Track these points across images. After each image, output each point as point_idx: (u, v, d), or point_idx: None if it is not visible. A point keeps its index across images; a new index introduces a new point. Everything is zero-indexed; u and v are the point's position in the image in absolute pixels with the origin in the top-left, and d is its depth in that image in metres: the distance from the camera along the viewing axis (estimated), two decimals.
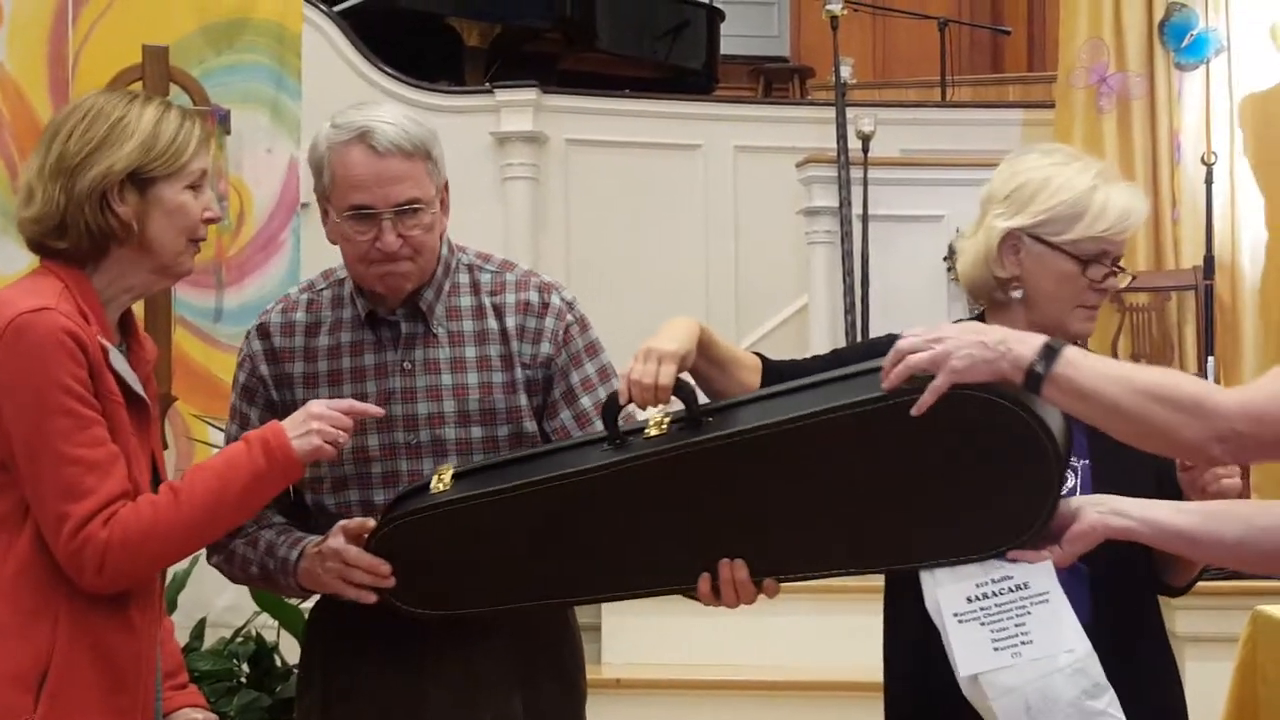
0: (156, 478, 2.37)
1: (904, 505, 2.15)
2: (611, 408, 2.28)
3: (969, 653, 2.07)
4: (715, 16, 9.49)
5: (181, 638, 4.62)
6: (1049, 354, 2.00)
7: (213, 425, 4.68)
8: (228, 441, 2.52)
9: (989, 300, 2.44)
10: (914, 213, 6.84)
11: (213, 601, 4.82)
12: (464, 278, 2.52)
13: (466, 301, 2.51)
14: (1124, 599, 2.35)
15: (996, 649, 2.07)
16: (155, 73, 4.26)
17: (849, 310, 6.54)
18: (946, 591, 2.11)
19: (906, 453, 2.13)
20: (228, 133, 4.51)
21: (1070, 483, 2.30)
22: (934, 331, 2.06)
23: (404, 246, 2.41)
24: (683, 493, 2.24)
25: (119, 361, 2.27)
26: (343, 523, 2.38)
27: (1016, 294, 2.38)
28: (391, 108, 2.52)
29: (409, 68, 7.30)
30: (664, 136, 7.67)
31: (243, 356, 2.57)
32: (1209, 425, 1.95)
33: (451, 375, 2.47)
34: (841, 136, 6.74)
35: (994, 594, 2.09)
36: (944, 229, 6.68)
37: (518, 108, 7.32)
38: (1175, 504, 2.19)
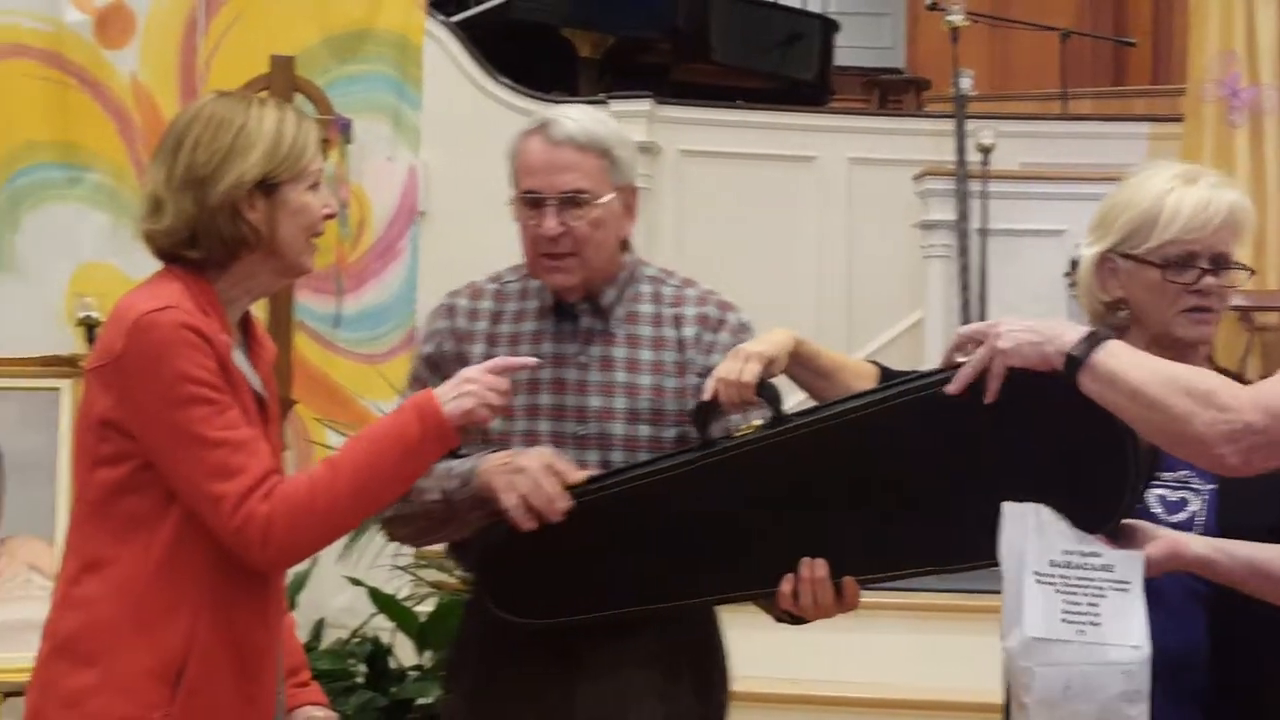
0: None
1: (982, 496, 2.12)
2: (701, 413, 2.33)
3: (1039, 615, 2.05)
4: (829, 28, 9.46)
5: (300, 637, 4.70)
6: (1091, 341, 2.03)
7: (332, 428, 4.74)
8: None
9: (1111, 327, 2.42)
10: (1034, 227, 6.76)
11: (330, 602, 4.88)
12: (646, 288, 2.59)
13: (647, 309, 2.57)
14: (1244, 624, 2.28)
15: (1064, 620, 2.04)
16: (282, 82, 4.33)
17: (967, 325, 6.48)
18: (1034, 547, 2.07)
19: (976, 434, 2.14)
20: (350, 141, 4.57)
21: (1193, 506, 2.27)
22: (991, 322, 2.13)
23: (565, 236, 2.47)
24: (760, 490, 2.29)
25: (240, 361, 2.30)
26: (541, 449, 2.41)
27: (1124, 314, 2.36)
28: (584, 109, 2.60)
29: (524, 78, 7.35)
30: (777, 148, 7.65)
31: (428, 332, 2.62)
32: (1219, 417, 1.93)
33: (626, 374, 2.52)
34: (961, 149, 6.68)
35: (1078, 566, 2.07)
36: (1065, 244, 6.59)
37: (631, 118, 7.34)
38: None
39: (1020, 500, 2.09)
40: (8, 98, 4.71)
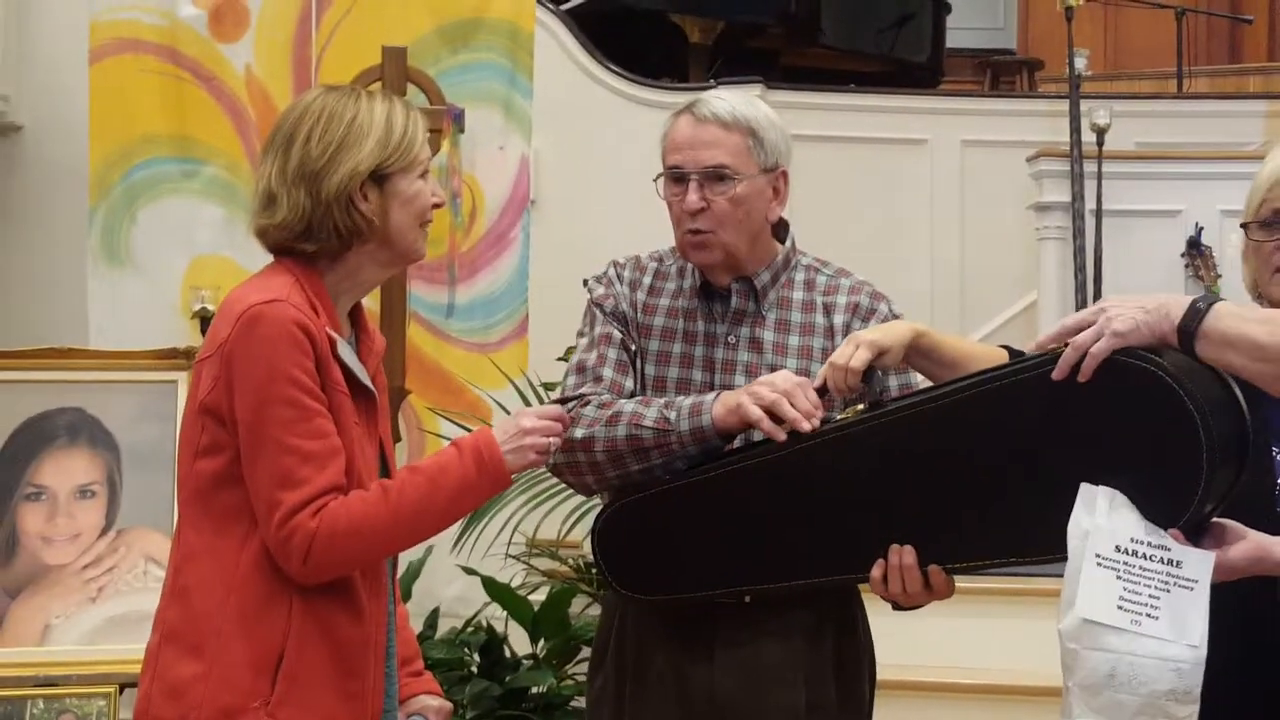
0: (385, 467, 2.41)
1: (1060, 489, 2.10)
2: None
3: (1095, 598, 2.02)
4: (940, 9, 9.35)
5: (415, 626, 4.72)
6: (1198, 309, 2.00)
7: (445, 417, 4.77)
8: (592, 356, 2.58)
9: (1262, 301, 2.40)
10: (1150, 208, 6.66)
11: (444, 592, 4.91)
12: (800, 275, 2.62)
13: (799, 295, 2.60)
14: None
15: (1121, 607, 2.01)
16: (394, 73, 4.36)
17: (1080, 307, 6.40)
18: (1101, 529, 2.04)
19: (1060, 423, 2.13)
20: (462, 131, 4.59)
21: None
22: (1097, 305, 2.09)
23: (707, 212, 2.52)
24: (852, 476, 2.32)
25: (347, 353, 2.31)
26: (783, 371, 2.45)
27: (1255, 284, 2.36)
28: (736, 91, 2.65)
29: (634, 65, 7.34)
30: (889, 131, 7.59)
31: (602, 294, 2.64)
32: None
33: (773, 356, 2.55)
34: (1075, 130, 6.58)
35: (1144, 555, 2.03)
36: (1181, 224, 6.50)
37: None
38: None
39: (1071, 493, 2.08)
40: (125, 92, 4.79)
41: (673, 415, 2.44)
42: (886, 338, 2.35)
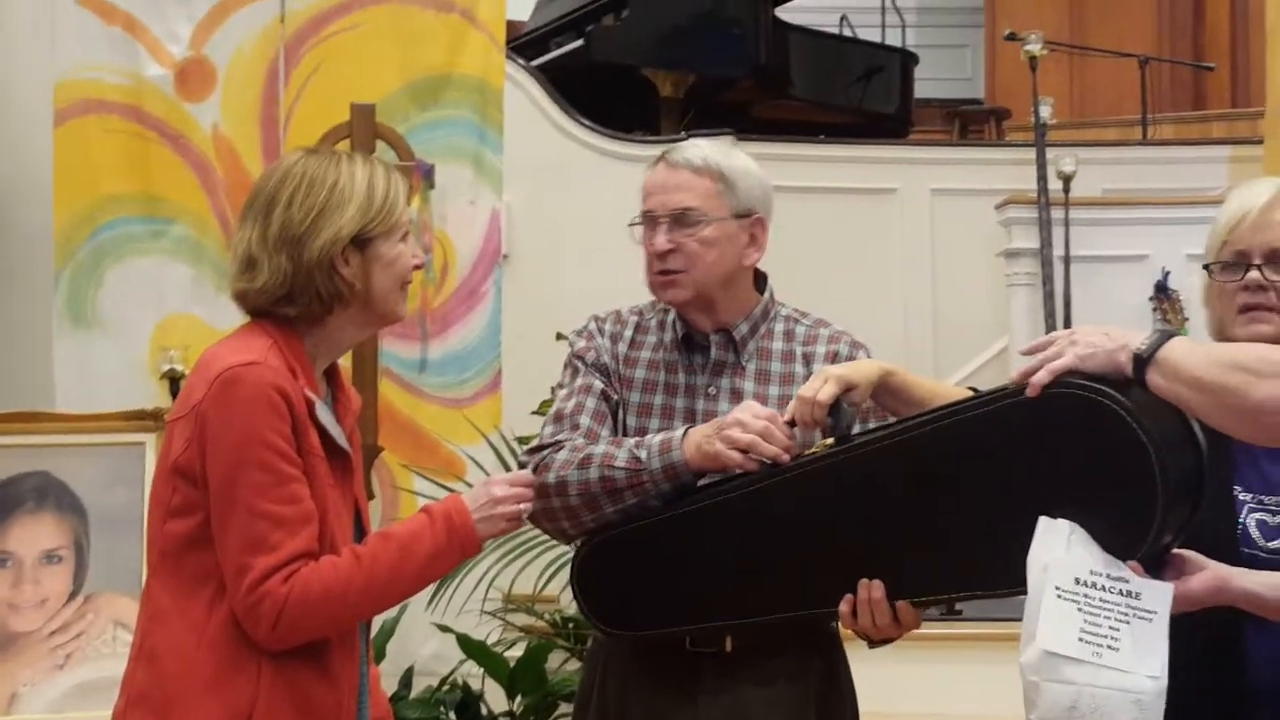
0: (360, 528, 2.39)
1: (1021, 521, 2.10)
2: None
3: (1055, 630, 2.01)
4: (909, 61, 9.42)
5: (390, 685, 4.71)
6: (1156, 340, 2.01)
7: (419, 474, 4.75)
8: (570, 404, 2.58)
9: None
10: (1117, 253, 6.71)
11: (419, 650, 4.88)
12: (780, 326, 2.64)
13: (779, 345, 2.62)
14: None
15: (1082, 640, 2.00)
16: (363, 130, 4.36)
17: None
18: (1060, 562, 2.04)
19: (1020, 456, 2.14)
20: (432, 186, 4.59)
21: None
22: (1068, 331, 2.12)
23: (676, 253, 2.54)
24: (818, 509, 2.32)
25: (325, 415, 2.29)
26: (750, 403, 2.46)
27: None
28: (714, 141, 2.67)
29: (606, 120, 7.36)
30: (859, 181, 7.63)
31: (583, 346, 2.65)
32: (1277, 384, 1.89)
33: None
34: (1042, 177, 6.64)
35: (1103, 588, 2.03)
36: (1148, 269, 6.54)
37: None
38: None
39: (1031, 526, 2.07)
40: (90, 152, 4.78)
41: (643, 454, 2.45)
42: (854, 374, 2.37)
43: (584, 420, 2.56)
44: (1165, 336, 2.02)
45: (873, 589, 2.28)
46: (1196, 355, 1.98)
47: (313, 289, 2.28)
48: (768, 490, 2.37)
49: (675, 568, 2.45)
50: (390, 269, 2.33)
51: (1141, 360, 2.00)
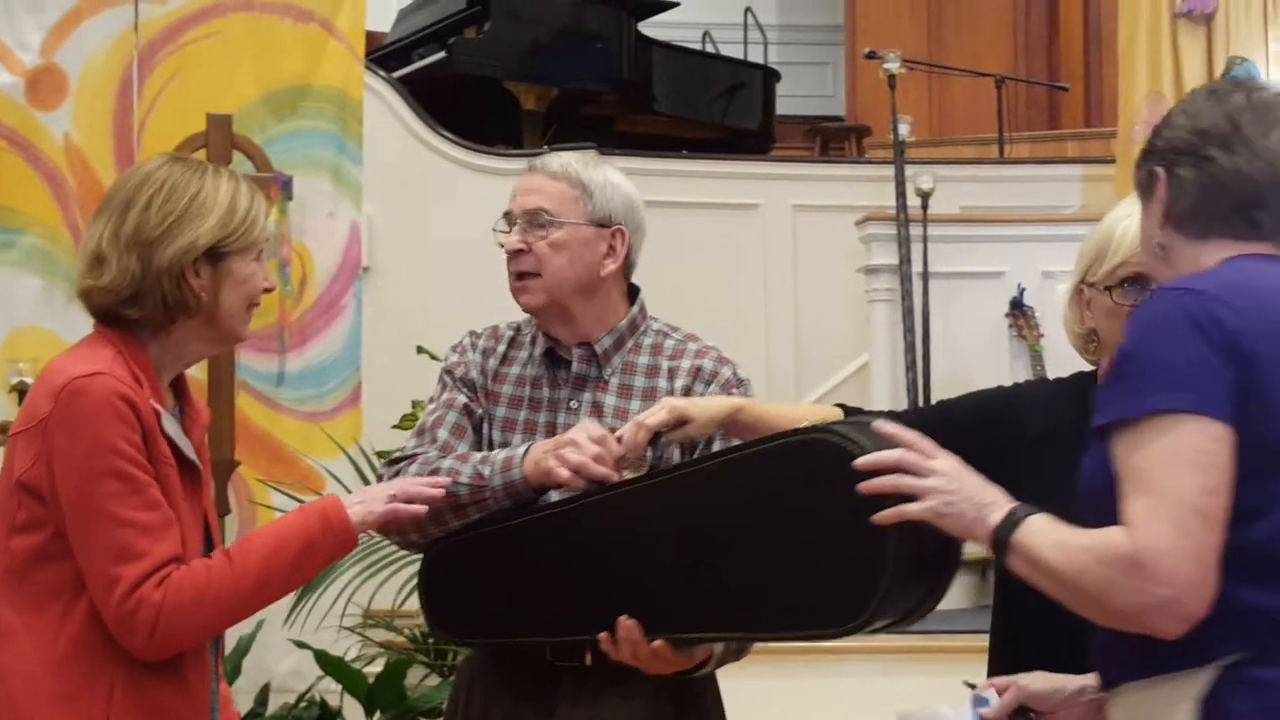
0: (209, 543, 2.36)
1: (773, 566, 2.15)
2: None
3: None
4: (770, 77, 9.51)
5: (245, 703, 4.64)
6: (1009, 523, 1.93)
7: (276, 488, 4.69)
8: (431, 417, 2.59)
9: (1092, 359, 2.44)
10: (974, 269, 6.81)
11: (276, 666, 4.82)
12: (648, 340, 2.64)
13: (644, 360, 2.62)
14: None
15: None
16: (219, 140, 4.32)
17: (910, 368, 6.51)
18: None
19: (777, 503, 2.16)
20: (290, 198, 4.55)
21: None
22: (938, 458, 2.01)
23: (528, 255, 2.56)
24: (602, 540, 2.35)
25: (172, 426, 2.26)
26: (588, 422, 2.47)
27: (1093, 344, 2.39)
28: (581, 154, 2.69)
29: (468, 132, 7.34)
30: (722, 196, 7.67)
31: (454, 361, 2.67)
32: (1143, 588, 1.78)
33: (614, 420, 2.54)
34: (901, 194, 6.72)
35: None
36: (1005, 285, 6.64)
37: None
38: None
39: (778, 574, 2.13)
40: None
41: (486, 470, 2.46)
42: (695, 408, 2.38)
43: (441, 434, 2.57)
44: (1023, 514, 1.93)
45: (628, 627, 2.29)
46: (1047, 544, 1.89)
47: (158, 295, 2.25)
48: (573, 513, 2.39)
49: (498, 580, 2.47)
50: (240, 287, 2.31)
51: (1001, 545, 1.93)
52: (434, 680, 4.69)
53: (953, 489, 1.98)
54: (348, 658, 4.72)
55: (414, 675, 4.74)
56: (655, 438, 2.37)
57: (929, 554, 2.09)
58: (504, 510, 2.46)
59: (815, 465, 2.10)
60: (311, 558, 2.27)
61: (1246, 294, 1.88)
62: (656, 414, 2.35)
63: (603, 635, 2.31)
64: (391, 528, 2.44)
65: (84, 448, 2.15)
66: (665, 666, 2.33)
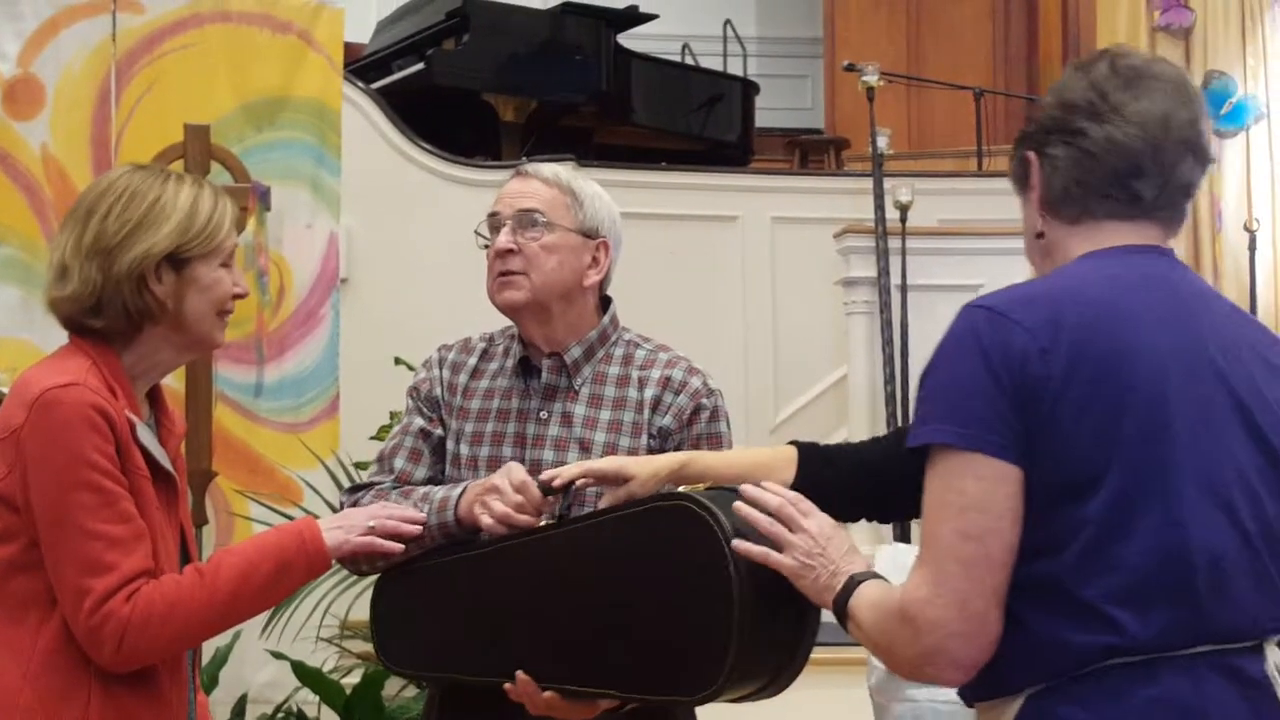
0: (185, 553, 2.36)
1: (632, 626, 2.18)
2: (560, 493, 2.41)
3: None
4: (750, 90, 9.54)
5: (223, 714, 4.63)
6: (845, 591, 1.94)
7: (254, 499, 4.68)
8: (390, 445, 2.61)
9: None
10: (952, 282, 6.81)
11: (253, 678, 4.80)
12: (619, 351, 2.64)
13: (615, 370, 2.62)
14: None
15: None
16: (197, 150, 4.30)
17: (889, 380, 6.53)
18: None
19: (634, 567, 2.19)
20: (268, 209, 4.54)
21: None
22: (811, 519, 2.02)
23: (518, 255, 2.56)
24: (505, 587, 2.37)
25: (146, 436, 2.26)
26: (511, 466, 2.46)
27: None
28: (566, 167, 2.71)
29: (447, 144, 7.35)
30: (700, 208, 7.69)
31: (420, 379, 2.69)
32: (912, 637, 1.78)
33: (582, 430, 2.56)
34: (879, 207, 6.74)
35: None
36: None
37: None
38: None
39: (643, 636, 2.14)
40: None
41: (425, 509, 2.47)
42: (637, 465, 2.34)
43: (398, 462, 2.60)
44: (859, 581, 1.93)
45: (522, 680, 2.31)
46: (864, 607, 1.89)
47: (120, 302, 2.25)
48: (489, 556, 2.40)
49: (432, 616, 2.48)
50: (206, 293, 2.31)
51: (840, 613, 1.93)
52: (411, 692, 4.68)
53: (814, 551, 1.98)
54: (325, 669, 4.70)
55: (391, 686, 4.73)
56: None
57: (780, 625, 2.10)
58: (441, 547, 2.47)
59: (675, 531, 2.12)
60: (284, 578, 2.28)
61: (1047, 309, 1.80)
62: (583, 465, 2.35)
63: (507, 686, 2.32)
64: (365, 559, 2.43)
65: (58, 459, 2.15)
66: (567, 714, 2.32)
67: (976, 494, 1.74)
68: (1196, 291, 1.91)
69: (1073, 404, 1.74)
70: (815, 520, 2.00)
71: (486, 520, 2.39)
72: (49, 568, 2.17)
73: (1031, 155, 1.95)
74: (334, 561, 2.39)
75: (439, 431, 2.62)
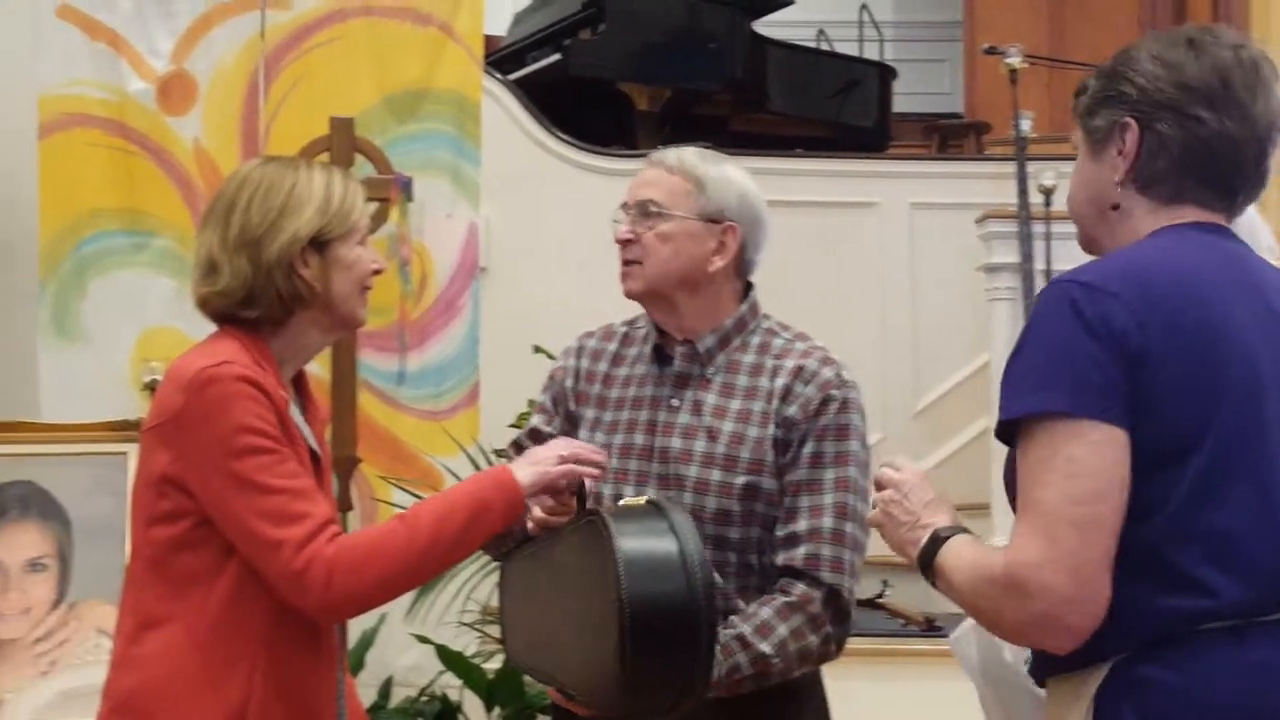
0: None
1: (576, 638, 2.21)
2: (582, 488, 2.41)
3: None
4: (887, 74, 9.46)
5: (369, 696, 4.71)
6: (931, 547, 1.94)
7: (397, 486, 4.76)
8: (525, 432, 2.68)
9: None
10: None
11: (398, 661, 4.88)
12: (756, 339, 2.64)
13: (750, 359, 2.62)
14: None
15: None
16: (341, 143, 4.38)
17: None
18: None
19: (574, 580, 2.24)
20: (410, 199, 4.61)
21: None
22: (903, 471, 2.05)
23: (636, 244, 2.60)
24: (527, 593, 2.45)
25: (296, 416, 2.32)
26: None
27: None
28: (701, 150, 2.71)
29: (583, 133, 7.39)
30: (838, 195, 7.63)
31: (556, 366, 2.74)
32: (1023, 605, 1.78)
33: (711, 419, 2.57)
34: (1023, 191, 6.64)
35: None
36: None
37: None
38: None
39: (582, 649, 2.18)
40: (74, 166, 4.79)
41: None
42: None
43: (526, 443, 2.65)
44: (945, 537, 1.93)
45: (553, 695, 2.41)
46: (960, 568, 1.89)
47: (273, 290, 2.31)
48: (535, 553, 2.45)
49: (517, 607, 2.54)
50: (349, 271, 2.36)
51: (926, 568, 1.94)
52: None
53: (896, 500, 1.99)
54: (467, 653, 4.77)
55: None
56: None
57: (670, 649, 2.09)
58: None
59: (591, 546, 2.16)
60: (482, 519, 2.28)
61: (1140, 283, 1.81)
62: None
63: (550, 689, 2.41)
64: (564, 488, 2.42)
65: (221, 431, 2.21)
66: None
67: (1087, 458, 1.74)
68: (1258, 264, 1.92)
69: (1171, 375, 1.76)
70: (906, 472, 2.03)
71: (529, 525, 2.46)
72: (235, 537, 2.21)
73: (1133, 123, 1.92)
74: (513, 516, 2.37)
75: (549, 430, 2.66)
